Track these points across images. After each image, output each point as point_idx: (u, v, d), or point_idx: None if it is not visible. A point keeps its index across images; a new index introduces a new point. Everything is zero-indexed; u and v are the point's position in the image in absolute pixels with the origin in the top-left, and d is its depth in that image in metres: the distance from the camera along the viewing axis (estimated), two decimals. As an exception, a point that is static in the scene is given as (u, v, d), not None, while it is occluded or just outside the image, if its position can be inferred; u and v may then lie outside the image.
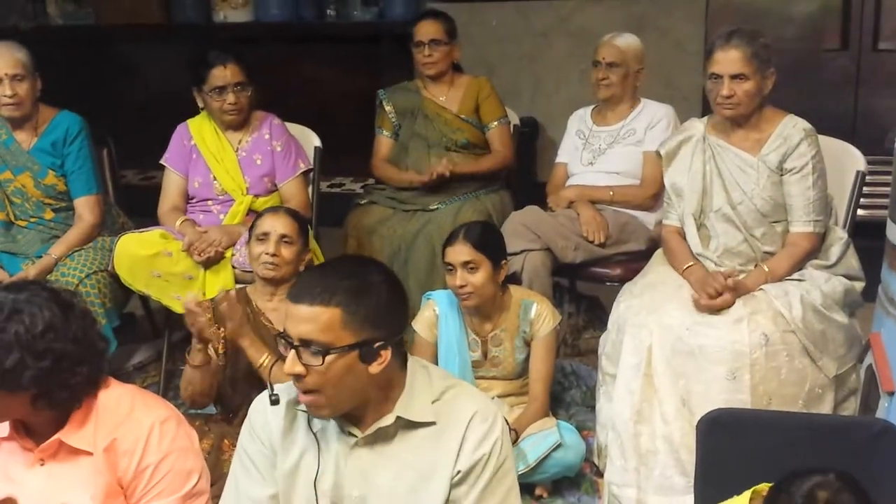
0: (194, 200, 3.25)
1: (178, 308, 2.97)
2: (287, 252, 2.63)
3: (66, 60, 4.69)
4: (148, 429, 1.79)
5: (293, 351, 1.57)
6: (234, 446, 2.53)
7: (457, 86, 3.61)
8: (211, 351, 2.50)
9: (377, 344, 1.59)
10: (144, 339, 3.66)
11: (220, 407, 2.68)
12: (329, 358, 1.55)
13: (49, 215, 3.16)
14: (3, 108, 3.03)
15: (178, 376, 3.03)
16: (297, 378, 1.57)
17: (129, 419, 1.80)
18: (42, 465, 1.78)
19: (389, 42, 5.06)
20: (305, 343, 1.55)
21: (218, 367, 2.53)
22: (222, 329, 2.48)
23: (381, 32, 5.28)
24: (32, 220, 3.15)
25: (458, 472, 1.63)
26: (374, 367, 1.60)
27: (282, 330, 1.61)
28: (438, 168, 3.38)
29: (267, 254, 2.60)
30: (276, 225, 2.64)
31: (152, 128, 3.77)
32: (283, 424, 1.70)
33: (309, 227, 3.13)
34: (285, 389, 1.73)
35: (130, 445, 1.77)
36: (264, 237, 2.63)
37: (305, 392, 1.59)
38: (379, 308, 1.60)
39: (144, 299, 3.32)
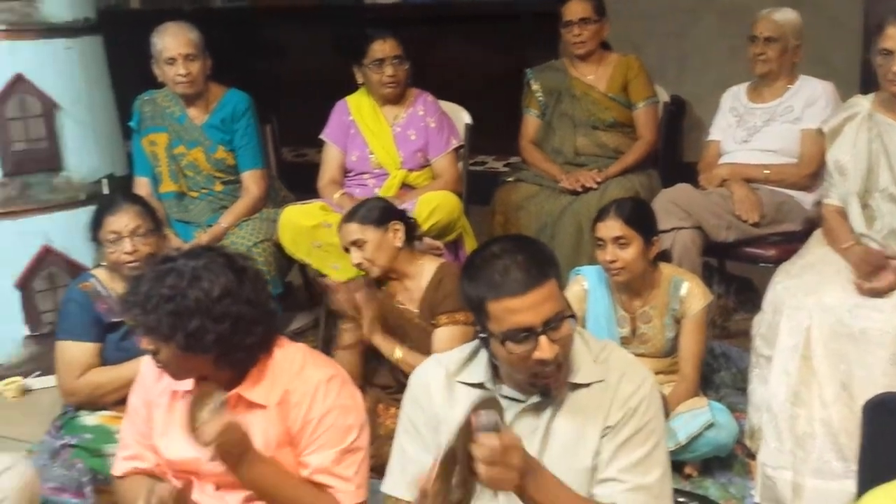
0: (351, 174, 3.38)
1: (336, 277, 3.12)
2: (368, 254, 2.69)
3: (224, 41, 4.91)
4: (315, 384, 1.90)
5: (543, 337, 1.58)
6: (388, 410, 2.67)
7: (605, 64, 3.60)
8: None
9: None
10: (301, 308, 3.84)
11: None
12: (569, 322, 1.61)
13: (219, 187, 3.36)
14: (177, 86, 3.23)
15: (334, 343, 3.18)
16: (548, 362, 1.59)
17: (300, 375, 1.91)
18: (224, 416, 1.92)
19: (532, 21, 5.07)
20: (549, 322, 1.58)
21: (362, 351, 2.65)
22: (360, 315, 2.59)
23: (523, 11, 5.29)
24: (203, 191, 3.36)
25: (608, 426, 1.65)
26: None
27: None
28: (586, 181, 3.38)
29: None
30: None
31: (302, 107, 3.94)
32: (444, 395, 1.74)
33: (460, 199, 3.23)
34: (443, 361, 1.79)
35: (299, 399, 1.88)
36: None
37: (555, 376, 1.63)
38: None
39: (303, 269, 3.49)
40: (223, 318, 1.79)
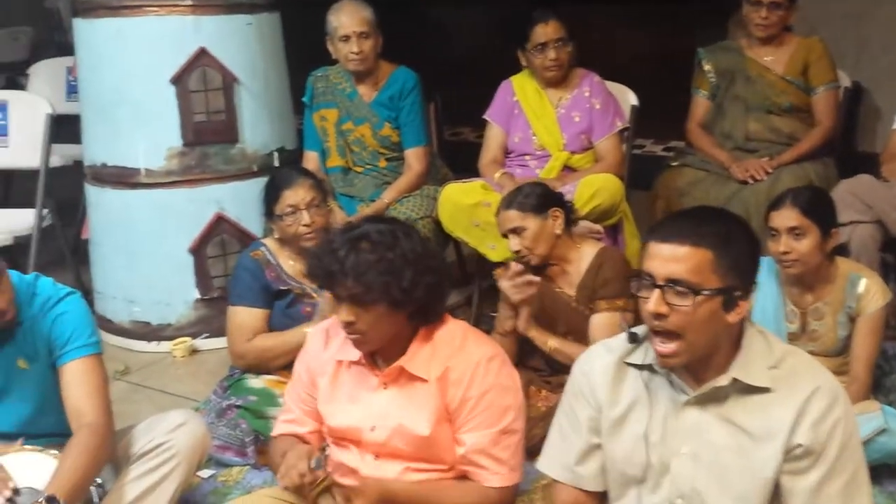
0: (513, 155, 3.37)
1: (492, 256, 3.12)
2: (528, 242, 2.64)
3: (392, 18, 4.99)
4: (476, 362, 1.91)
5: (657, 291, 1.56)
6: (540, 392, 2.66)
7: (785, 46, 3.43)
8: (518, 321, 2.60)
9: (738, 293, 1.57)
10: (454, 285, 3.86)
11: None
12: (698, 299, 1.54)
13: (382, 163, 3.42)
14: (349, 63, 3.30)
15: (485, 322, 3.19)
16: (658, 317, 1.57)
17: (461, 352, 1.92)
18: (385, 388, 1.95)
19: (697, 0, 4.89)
20: (673, 282, 1.55)
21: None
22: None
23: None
24: (368, 166, 3.42)
25: (799, 445, 1.57)
26: (733, 317, 1.58)
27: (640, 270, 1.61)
28: (756, 172, 3.23)
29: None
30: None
31: (460, 86, 3.94)
32: (609, 378, 1.72)
33: (622, 183, 3.16)
34: (612, 345, 1.75)
35: (459, 376, 1.90)
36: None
37: (663, 337, 1.60)
38: (743, 257, 1.59)
39: (458, 246, 3.51)
40: (427, 271, 1.88)
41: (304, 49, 3.58)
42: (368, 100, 3.38)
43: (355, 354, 1.96)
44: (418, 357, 1.92)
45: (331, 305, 2.52)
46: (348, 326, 1.87)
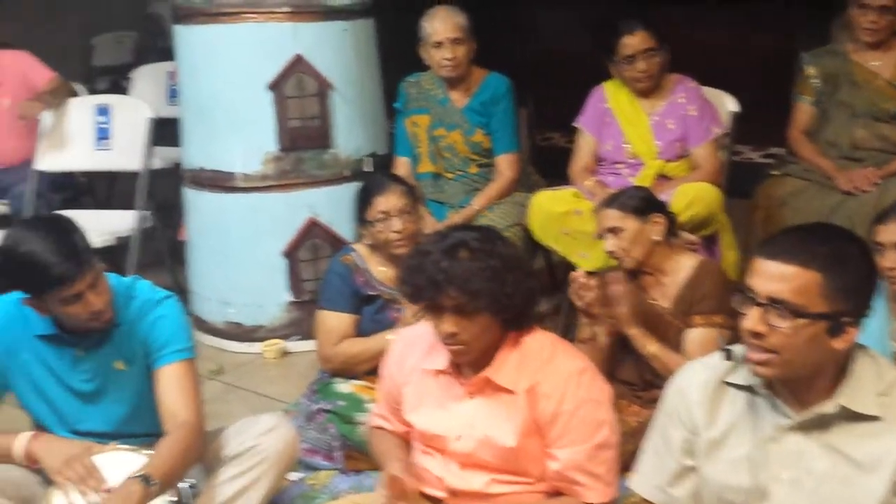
0: (605, 163, 3.31)
1: (583, 265, 3.06)
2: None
3: (484, 23, 4.99)
4: (567, 376, 1.87)
5: (758, 309, 1.51)
6: (630, 406, 2.60)
7: (893, 51, 3.27)
8: (597, 329, 2.54)
9: (846, 318, 1.50)
10: (542, 293, 3.81)
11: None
12: (800, 322, 1.48)
13: (473, 170, 3.40)
14: (441, 69, 3.30)
15: (573, 331, 3.14)
16: (756, 336, 1.52)
17: (550, 365, 1.89)
18: (471, 398, 1.93)
19: (803, 1, 4.72)
20: (775, 302, 1.49)
21: (605, 347, 2.57)
22: (608, 308, 2.50)
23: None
24: (459, 172, 3.41)
25: None
26: (839, 343, 1.51)
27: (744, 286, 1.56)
28: (862, 184, 3.10)
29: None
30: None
31: (551, 90, 3.89)
32: (707, 398, 1.66)
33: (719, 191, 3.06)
34: (711, 363, 1.69)
35: (550, 390, 1.87)
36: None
37: (759, 351, 1.53)
38: (856, 281, 1.51)
39: (547, 253, 3.47)
40: (525, 276, 1.89)
41: (397, 54, 3.60)
42: (460, 106, 3.37)
43: (441, 363, 1.95)
44: (505, 368, 1.90)
45: (414, 314, 2.53)
46: (450, 337, 1.85)
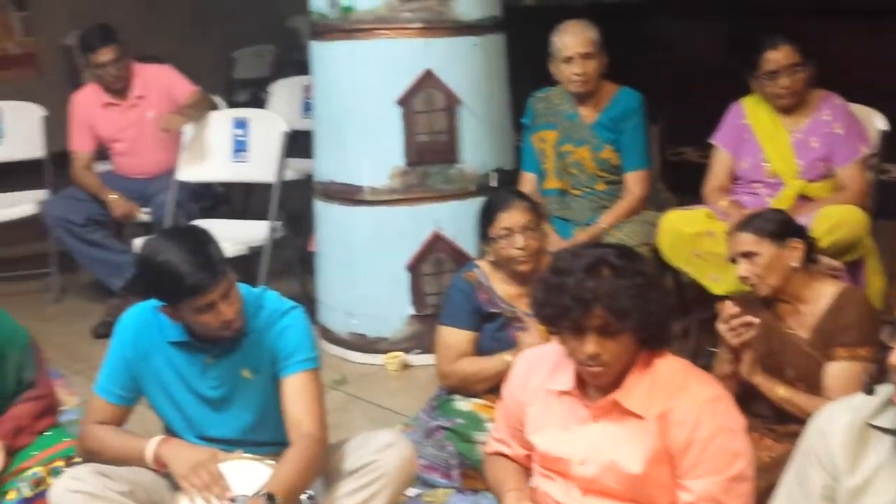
0: (741, 181, 3.17)
1: (714, 289, 2.94)
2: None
3: (615, 37, 4.91)
4: (700, 403, 1.79)
5: None
6: (763, 440, 2.46)
7: None
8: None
9: None
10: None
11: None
12: None
13: (601, 187, 3.33)
14: (571, 85, 3.25)
15: (704, 356, 3.01)
16: None
17: (684, 391, 1.81)
18: (596, 421, 1.87)
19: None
20: None
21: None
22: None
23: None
24: (585, 189, 3.34)
25: None
26: None
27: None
28: None
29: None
30: None
31: (684, 103, 3.75)
32: (851, 442, 1.55)
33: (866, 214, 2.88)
34: (855, 403, 1.58)
35: (682, 417, 1.79)
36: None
37: None
38: None
39: (676, 274, 3.35)
40: (664, 293, 1.85)
41: (527, 69, 3.57)
42: (589, 121, 3.30)
43: (565, 384, 1.90)
44: (635, 391, 1.83)
45: (537, 336, 2.48)
46: (592, 359, 1.79)
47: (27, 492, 2.41)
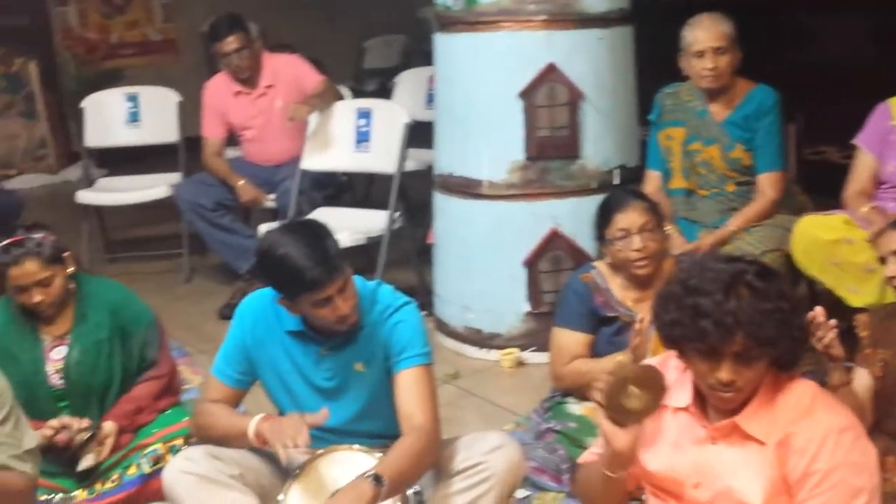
0: (885, 186, 2.97)
1: (852, 301, 2.78)
2: None
3: (750, 31, 4.71)
4: (824, 433, 1.67)
5: None
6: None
7: None
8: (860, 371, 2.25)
9: None
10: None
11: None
12: None
13: (730, 188, 3.19)
14: (702, 80, 3.12)
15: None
16: None
17: (808, 417, 1.69)
18: (713, 443, 1.77)
19: None
20: None
21: (871, 393, 2.26)
22: (879, 350, 2.20)
23: None
24: (714, 190, 3.21)
25: None
26: None
27: None
28: None
29: None
30: None
31: (827, 101, 3.54)
32: None
33: None
34: None
35: (804, 445, 1.67)
36: None
37: None
38: None
39: (810, 282, 3.18)
40: (802, 313, 1.77)
41: (655, 64, 3.45)
42: (720, 119, 3.16)
43: (682, 401, 1.81)
44: (757, 415, 1.72)
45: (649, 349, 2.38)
46: (726, 386, 1.68)
47: (147, 468, 2.52)
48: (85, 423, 2.48)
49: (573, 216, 3.36)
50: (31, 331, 2.58)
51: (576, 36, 3.29)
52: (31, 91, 7.25)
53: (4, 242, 2.49)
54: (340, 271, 2.06)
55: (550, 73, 3.28)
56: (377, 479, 1.93)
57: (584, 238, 3.32)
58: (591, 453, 2.01)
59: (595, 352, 2.67)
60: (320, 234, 2.10)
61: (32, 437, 1.97)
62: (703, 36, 3.07)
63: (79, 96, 5.20)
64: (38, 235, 2.51)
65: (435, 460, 2.12)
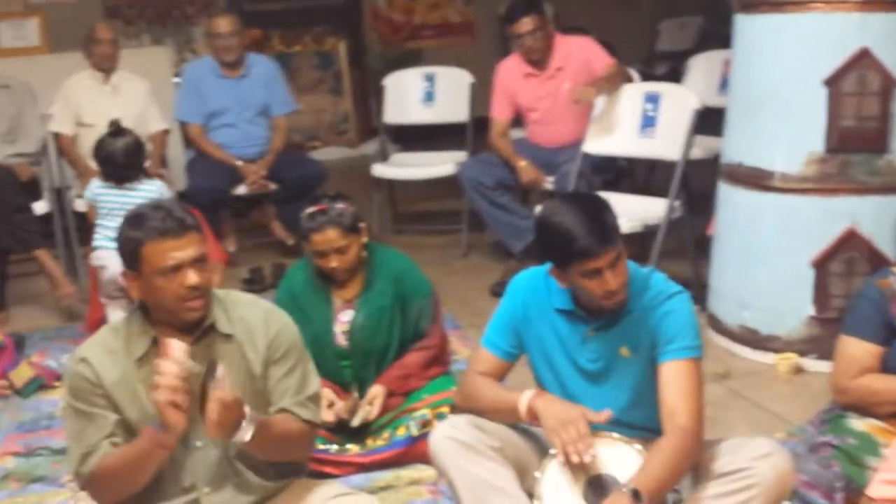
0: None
1: None
2: None
3: None
4: None
5: None
6: None
7: None
8: None
9: None
10: None
11: None
12: None
13: None
14: None
15: None
16: None
17: None
18: None
19: None
20: None
21: None
22: None
23: None
24: None
25: None
26: None
27: None
28: None
29: None
30: None
31: None
32: None
33: None
34: None
35: None
36: None
37: None
38: None
39: None
40: None
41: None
42: None
43: None
44: None
45: None
46: None
47: (415, 431, 2.66)
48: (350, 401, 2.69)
49: (874, 216, 3.10)
50: (325, 293, 2.80)
51: (893, 19, 3.00)
52: (339, 69, 7.84)
53: (311, 210, 2.73)
54: (613, 244, 2.04)
55: (862, 59, 3.02)
56: (636, 494, 1.90)
57: (883, 240, 3.07)
58: (884, 482, 1.84)
59: (885, 366, 2.44)
60: (599, 206, 2.09)
61: (316, 383, 2.13)
62: None
63: (381, 75, 5.55)
64: (339, 205, 2.72)
65: (696, 463, 2.06)
